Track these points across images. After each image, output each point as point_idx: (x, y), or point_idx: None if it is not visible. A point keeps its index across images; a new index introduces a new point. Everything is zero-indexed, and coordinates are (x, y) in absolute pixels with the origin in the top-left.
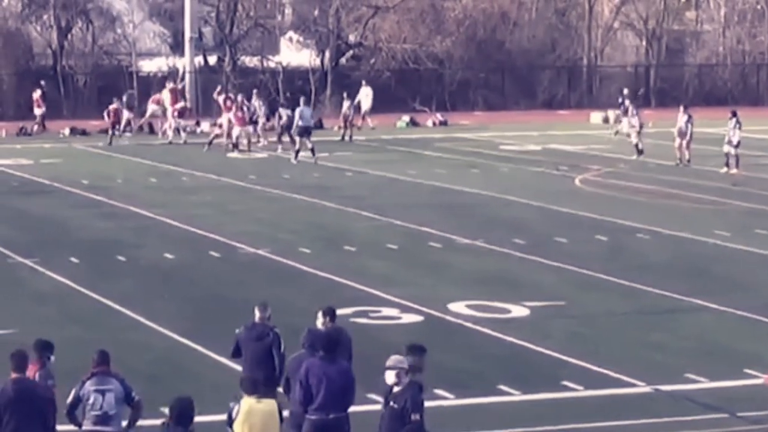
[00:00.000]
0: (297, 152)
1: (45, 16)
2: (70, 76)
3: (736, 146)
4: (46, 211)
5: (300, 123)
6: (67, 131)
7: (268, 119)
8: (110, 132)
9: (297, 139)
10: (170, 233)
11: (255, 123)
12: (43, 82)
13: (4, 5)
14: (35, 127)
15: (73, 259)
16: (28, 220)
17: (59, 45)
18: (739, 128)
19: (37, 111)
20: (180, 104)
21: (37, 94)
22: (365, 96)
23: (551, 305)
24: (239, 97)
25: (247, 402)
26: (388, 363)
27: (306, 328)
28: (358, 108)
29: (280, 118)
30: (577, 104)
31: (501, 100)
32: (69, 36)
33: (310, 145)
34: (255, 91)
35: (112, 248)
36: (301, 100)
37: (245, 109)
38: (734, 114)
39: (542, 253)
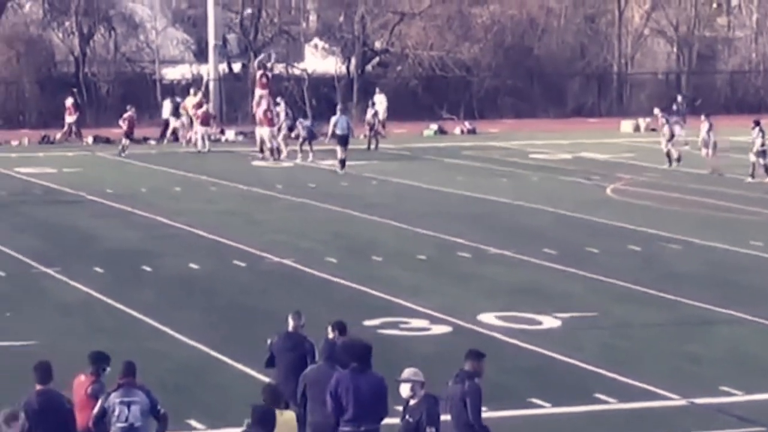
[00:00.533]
0: (342, 162)
1: (67, 23)
2: (93, 84)
3: (761, 155)
4: (70, 220)
5: (336, 132)
6: (90, 139)
7: (291, 129)
8: (124, 140)
9: (337, 148)
10: (195, 243)
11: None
12: (75, 90)
13: (26, 11)
14: (66, 136)
15: (97, 269)
16: (52, 229)
17: (81, 52)
18: (763, 136)
19: (69, 119)
20: (202, 109)
21: (69, 102)
22: (379, 103)
23: (583, 316)
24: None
25: None
26: (403, 376)
27: (323, 339)
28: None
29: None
30: (607, 112)
31: (530, 107)
32: (91, 43)
33: (341, 156)
34: (280, 98)
35: (137, 258)
36: (338, 108)
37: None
38: (757, 123)
39: (573, 264)
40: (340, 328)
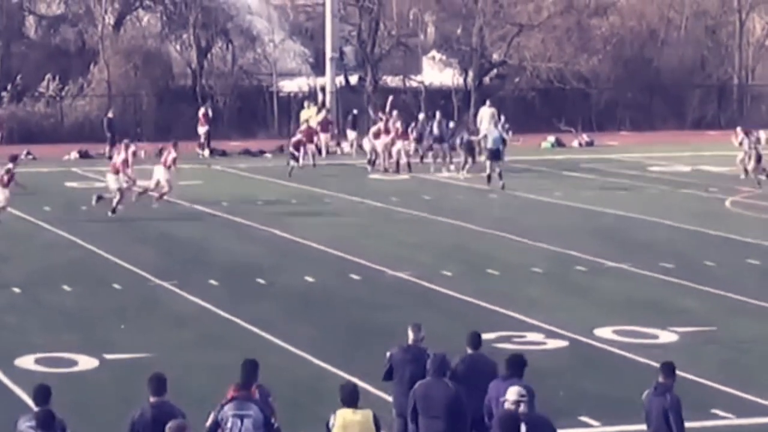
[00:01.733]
0: (488, 177)
1: (184, 36)
2: (210, 97)
3: None
4: (186, 233)
5: (489, 146)
6: (206, 152)
7: (420, 140)
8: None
9: (487, 163)
10: (311, 256)
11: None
12: (209, 101)
13: (144, 25)
14: (200, 146)
15: (212, 282)
16: (168, 242)
17: (199, 65)
18: None
19: (201, 129)
20: (321, 115)
21: (201, 112)
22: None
23: (701, 331)
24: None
25: (342, 414)
26: (508, 396)
27: (432, 354)
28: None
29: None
30: (728, 124)
31: (649, 120)
32: (209, 56)
33: (498, 170)
34: (422, 113)
35: (252, 271)
36: (492, 122)
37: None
38: None
39: (691, 277)
40: (474, 341)
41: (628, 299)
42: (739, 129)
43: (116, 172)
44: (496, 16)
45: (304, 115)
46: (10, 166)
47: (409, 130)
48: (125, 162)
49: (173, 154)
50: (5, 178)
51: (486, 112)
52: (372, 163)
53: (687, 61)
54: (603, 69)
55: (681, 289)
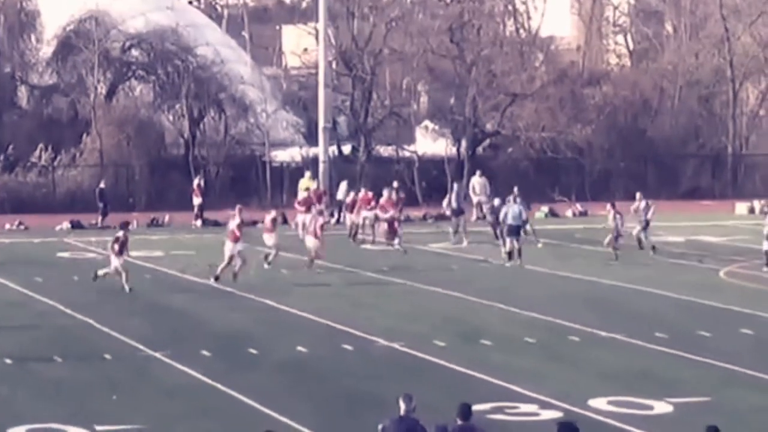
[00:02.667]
0: (509, 254)
1: (177, 106)
2: (203, 167)
3: None
4: (178, 303)
5: (509, 222)
6: (198, 222)
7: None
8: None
9: (507, 239)
10: (303, 326)
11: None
12: (201, 172)
13: (136, 94)
14: (195, 218)
15: (204, 352)
16: (159, 312)
17: (191, 134)
18: None
19: (195, 201)
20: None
21: (195, 183)
22: (479, 185)
23: (696, 401)
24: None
25: None
26: None
27: (434, 425)
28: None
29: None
30: (722, 194)
31: (642, 189)
32: (201, 125)
33: (510, 247)
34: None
35: (244, 341)
36: (512, 196)
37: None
38: None
39: (685, 348)
40: (464, 412)
41: (623, 369)
42: (609, 205)
43: (235, 239)
44: (489, 86)
45: (303, 184)
46: (120, 234)
47: (445, 204)
48: (240, 226)
49: (237, 220)
50: (116, 246)
51: (477, 182)
52: (353, 235)
53: (681, 131)
54: (596, 138)
55: (675, 359)
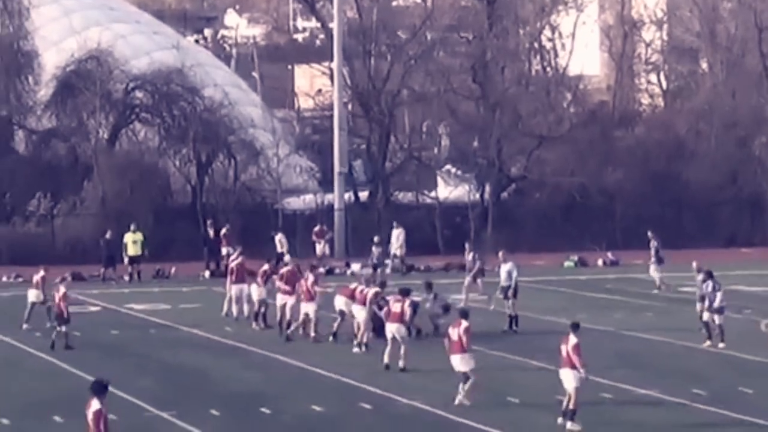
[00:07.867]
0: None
1: (183, 150)
2: (212, 215)
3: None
4: (186, 360)
5: (501, 284)
6: (207, 273)
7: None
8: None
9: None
10: (318, 383)
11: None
12: (227, 219)
13: (140, 138)
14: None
15: (214, 411)
16: (167, 370)
17: (199, 181)
18: None
19: (223, 250)
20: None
21: (222, 232)
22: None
23: None
24: None
25: None
26: None
27: None
28: None
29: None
30: (762, 241)
31: (678, 237)
32: (209, 171)
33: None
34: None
35: (256, 400)
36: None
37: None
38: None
39: (725, 405)
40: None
41: (658, 429)
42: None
43: (311, 299)
44: (514, 128)
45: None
46: (266, 267)
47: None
48: (315, 283)
49: (311, 279)
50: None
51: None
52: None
53: (717, 175)
54: (628, 183)
55: (714, 417)
